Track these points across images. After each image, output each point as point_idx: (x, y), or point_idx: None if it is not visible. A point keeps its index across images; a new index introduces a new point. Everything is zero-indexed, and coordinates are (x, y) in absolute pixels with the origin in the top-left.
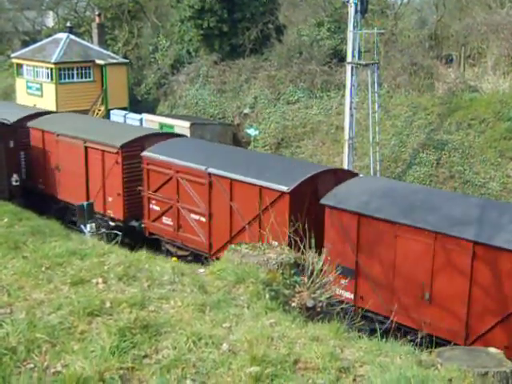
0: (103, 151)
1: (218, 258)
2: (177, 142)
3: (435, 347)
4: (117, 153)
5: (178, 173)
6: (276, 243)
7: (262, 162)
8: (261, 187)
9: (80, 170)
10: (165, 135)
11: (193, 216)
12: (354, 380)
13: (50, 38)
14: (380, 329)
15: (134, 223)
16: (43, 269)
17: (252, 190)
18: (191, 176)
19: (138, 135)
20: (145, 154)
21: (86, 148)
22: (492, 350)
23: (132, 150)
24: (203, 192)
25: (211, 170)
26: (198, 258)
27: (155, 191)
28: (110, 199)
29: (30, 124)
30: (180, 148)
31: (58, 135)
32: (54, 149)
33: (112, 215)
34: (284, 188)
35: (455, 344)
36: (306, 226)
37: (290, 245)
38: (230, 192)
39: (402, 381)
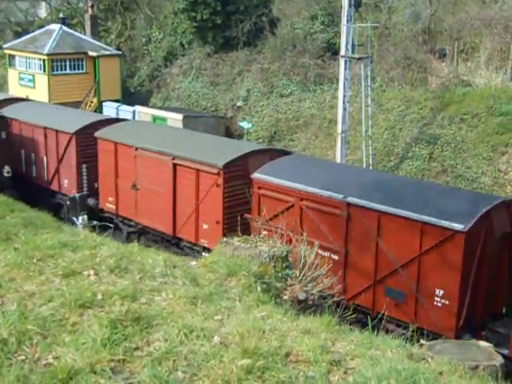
0: (198, 170)
1: (357, 306)
2: (290, 161)
3: None
4: (217, 173)
5: (302, 200)
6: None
7: (418, 190)
8: (423, 224)
9: (165, 190)
10: (269, 151)
11: (320, 252)
12: (345, 373)
13: (42, 29)
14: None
15: None
16: (35, 260)
17: (409, 226)
18: (322, 205)
19: (240, 153)
20: (256, 176)
21: (174, 165)
22: (482, 343)
23: (235, 171)
24: (338, 225)
25: (351, 200)
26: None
27: (269, 220)
28: (204, 226)
29: (98, 134)
30: (298, 169)
31: (136, 149)
32: (131, 164)
33: (207, 245)
34: (459, 226)
35: None
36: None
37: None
38: (376, 227)
39: (392, 374)
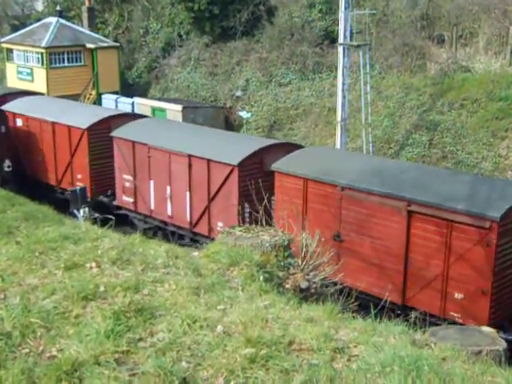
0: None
1: None
2: None
3: None
4: (489, 228)
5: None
6: None
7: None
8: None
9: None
10: None
11: None
12: (349, 360)
13: (39, 22)
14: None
15: None
16: (37, 254)
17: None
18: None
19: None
20: None
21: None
22: (485, 328)
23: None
24: None
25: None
26: None
27: None
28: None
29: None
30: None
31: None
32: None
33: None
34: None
35: None
36: None
37: None
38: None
39: (396, 360)
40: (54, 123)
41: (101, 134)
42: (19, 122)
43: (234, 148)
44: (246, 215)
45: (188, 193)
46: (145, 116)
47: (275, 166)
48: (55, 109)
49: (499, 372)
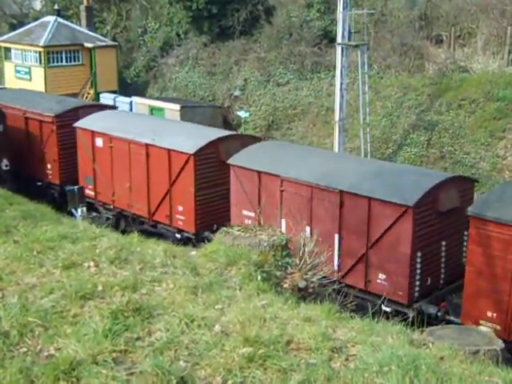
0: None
1: None
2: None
3: None
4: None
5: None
6: None
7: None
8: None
9: None
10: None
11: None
12: (347, 360)
13: (37, 22)
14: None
15: None
16: (35, 253)
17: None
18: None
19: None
20: None
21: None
22: (483, 328)
23: None
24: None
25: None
26: None
27: None
28: None
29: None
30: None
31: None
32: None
33: None
34: None
35: None
36: None
37: None
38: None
39: (393, 360)
40: (148, 145)
41: (208, 160)
42: (99, 142)
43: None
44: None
45: (337, 236)
46: (259, 138)
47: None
48: (146, 127)
49: (496, 372)
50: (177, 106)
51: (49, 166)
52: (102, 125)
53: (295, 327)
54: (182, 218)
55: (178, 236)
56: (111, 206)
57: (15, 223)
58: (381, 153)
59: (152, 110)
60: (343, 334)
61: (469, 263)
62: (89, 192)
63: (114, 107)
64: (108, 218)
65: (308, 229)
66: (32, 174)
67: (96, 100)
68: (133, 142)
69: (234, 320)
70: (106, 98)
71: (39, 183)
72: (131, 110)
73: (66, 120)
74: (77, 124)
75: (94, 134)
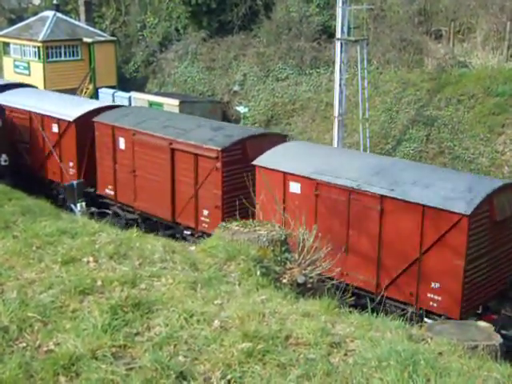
0: None
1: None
2: None
3: None
4: None
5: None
6: None
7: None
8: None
9: None
10: None
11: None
12: (345, 355)
13: (36, 16)
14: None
15: None
16: (34, 248)
17: None
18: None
19: None
20: None
21: None
22: (482, 323)
23: None
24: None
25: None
26: None
27: None
28: None
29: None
30: None
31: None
32: None
33: None
34: None
35: None
36: None
37: None
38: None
39: (392, 355)
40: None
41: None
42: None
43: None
44: None
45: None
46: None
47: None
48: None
49: (495, 367)
50: (176, 101)
51: (205, 212)
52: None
53: (294, 322)
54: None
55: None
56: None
57: (14, 218)
58: (380, 148)
59: (151, 105)
60: (342, 329)
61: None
62: None
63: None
64: None
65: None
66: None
67: (94, 95)
68: None
69: (233, 315)
70: (104, 94)
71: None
72: (130, 105)
73: (233, 155)
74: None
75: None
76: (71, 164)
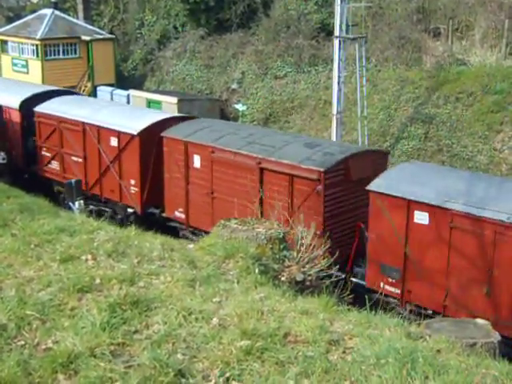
0: None
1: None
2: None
3: None
4: None
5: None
6: None
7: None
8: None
9: None
10: None
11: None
12: (344, 352)
13: (34, 14)
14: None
15: None
16: (32, 246)
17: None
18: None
19: None
20: None
21: None
22: (480, 321)
23: None
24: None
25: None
26: None
27: None
28: None
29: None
30: None
31: None
32: None
33: None
34: None
35: None
36: None
37: None
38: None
39: (391, 352)
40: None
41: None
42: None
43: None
44: None
45: None
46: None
47: None
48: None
49: (493, 364)
50: (174, 99)
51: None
52: None
53: (293, 320)
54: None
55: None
56: None
57: (13, 216)
58: (378, 146)
59: (149, 103)
60: (340, 326)
61: None
62: None
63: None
64: None
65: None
66: None
67: (93, 93)
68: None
69: (231, 313)
70: (103, 91)
71: None
72: (128, 103)
73: (336, 176)
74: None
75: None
76: (133, 182)
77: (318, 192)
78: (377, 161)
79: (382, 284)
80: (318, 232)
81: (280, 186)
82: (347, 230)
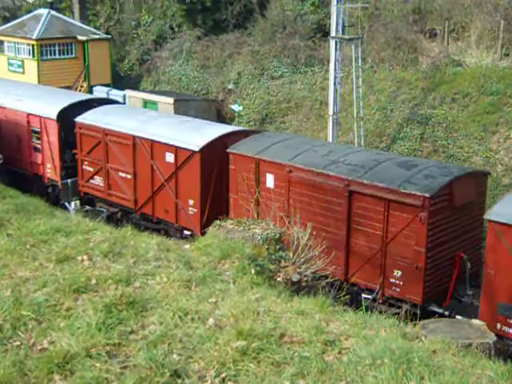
0: None
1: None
2: None
3: None
4: None
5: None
6: None
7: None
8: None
9: None
10: None
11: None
12: (340, 353)
13: (30, 14)
14: None
15: None
16: (28, 246)
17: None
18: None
19: None
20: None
21: None
22: (475, 321)
23: None
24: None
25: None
26: None
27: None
28: None
29: None
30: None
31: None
32: None
33: None
34: None
35: None
36: None
37: None
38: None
39: (386, 353)
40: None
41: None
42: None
43: None
44: None
45: None
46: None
47: None
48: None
49: (489, 364)
50: (170, 100)
51: (397, 273)
52: None
53: (289, 320)
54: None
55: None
56: None
57: (8, 216)
58: (374, 147)
59: (145, 103)
60: (336, 327)
61: None
62: None
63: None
64: None
65: None
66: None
67: (89, 93)
68: None
69: (227, 313)
70: (99, 92)
71: None
72: (124, 103)
73: (440, 201)
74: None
75: None
76: (191, 202)
77: (421, 219)
78: (479, 183)
79: (498, 325)
80: (420, 265)
81: (373, 212)
82: (447, 262)
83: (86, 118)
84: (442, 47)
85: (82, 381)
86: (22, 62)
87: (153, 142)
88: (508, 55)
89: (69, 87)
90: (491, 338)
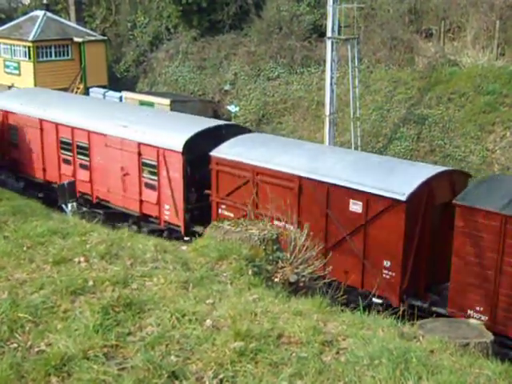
0: None
1: None
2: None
3: None
4: None
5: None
6: None
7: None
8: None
9: None
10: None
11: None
12: (337, 353)
13: (26, 16)
14: None
15: None
16: (25, 248)
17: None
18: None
19: None
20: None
21: None
22: (473, 321)
23: None
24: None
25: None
26: None
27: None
28: None
29: None
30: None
31: None
32: None
33: None
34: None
35: None
36: None
37: None
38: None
39: (384, 353)
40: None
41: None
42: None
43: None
44: None
45: None
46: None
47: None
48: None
49: (487, 364)
50: (167, 101)
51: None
52: None
53: (286, 321)
54: None
55: None
56: None
57: (5, 219)
58: (371, 147)
59: (142, 104)
60: (334, 327)
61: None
62: None
63: None
64: None
65: None
66: None
67: (85, 94)
68: None
69: (225, 314)
70: (95, 93)
71: None
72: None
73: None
74: None
75: None
76: (387, 264)
77: None
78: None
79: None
80: None
81: None
82: None
83: (226, 152)
84: (438, 47)
85: (80, 383)
86: (18, 63)
87: (329, 187)
88: (504, 55)
89: (65, 89)
90: (488, 337)
